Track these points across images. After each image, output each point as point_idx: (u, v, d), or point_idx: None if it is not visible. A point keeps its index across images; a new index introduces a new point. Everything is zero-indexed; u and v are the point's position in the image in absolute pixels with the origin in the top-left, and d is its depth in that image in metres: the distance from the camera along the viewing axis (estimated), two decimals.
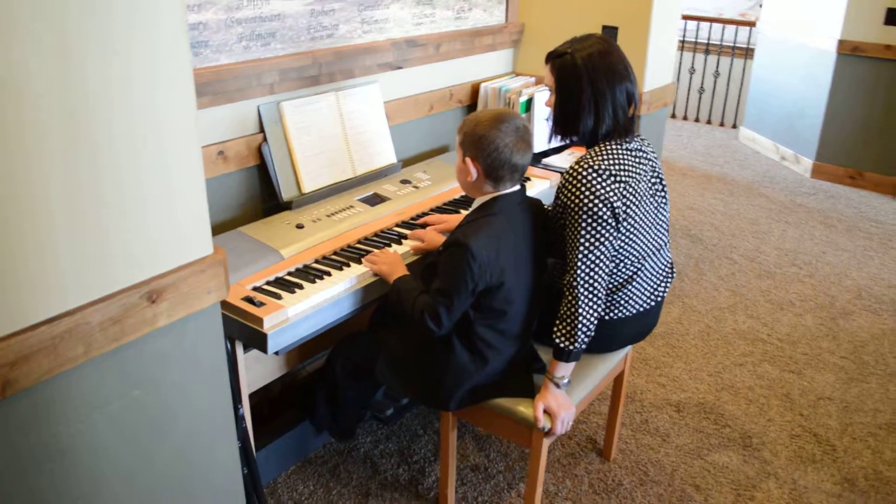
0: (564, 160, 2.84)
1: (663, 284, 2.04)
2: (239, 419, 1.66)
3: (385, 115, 2.52)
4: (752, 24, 6.06)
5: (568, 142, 2.05)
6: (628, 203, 1.84)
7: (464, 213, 2.31)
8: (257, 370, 1.97)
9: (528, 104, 2.86)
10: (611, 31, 2.96)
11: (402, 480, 2.24)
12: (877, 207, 4.64)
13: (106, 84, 1.12)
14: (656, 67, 3.00)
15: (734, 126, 6.39)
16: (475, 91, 3.00)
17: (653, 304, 2.03)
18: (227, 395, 1.49)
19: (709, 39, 6.42)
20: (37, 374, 1.12)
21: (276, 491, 2.17)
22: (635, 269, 1.94)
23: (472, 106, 3.02)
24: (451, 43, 2.78)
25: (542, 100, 2.86)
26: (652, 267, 1.98)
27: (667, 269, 2.06)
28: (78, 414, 1.21)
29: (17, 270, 1.08)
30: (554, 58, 1.97)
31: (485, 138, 1.78)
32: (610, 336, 1.99)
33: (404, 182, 2.46)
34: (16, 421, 1.13)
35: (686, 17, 6.15)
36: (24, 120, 1.03)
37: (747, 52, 6.24)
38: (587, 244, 1.80)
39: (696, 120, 6.59)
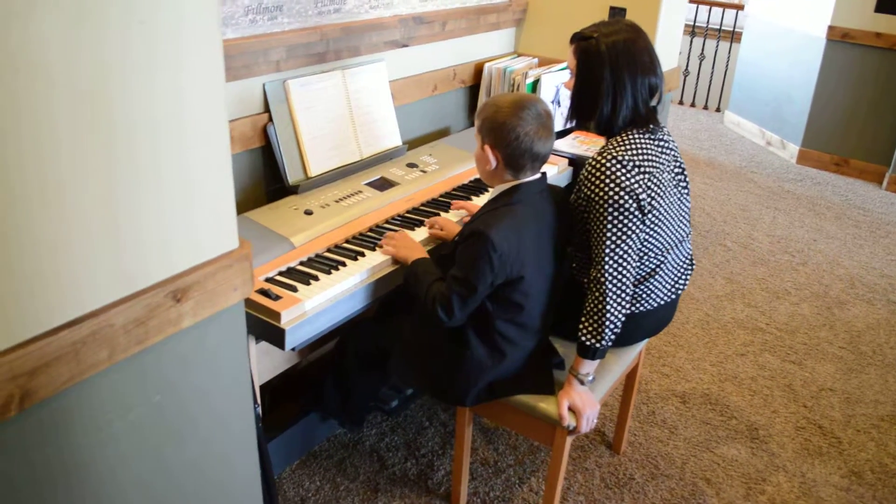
0: (569, 145, 2.76)
1: (684, 277, 1.99)
2: (256, 419, 1.57)
3: (391, 96, 2.41)
4: (740, 7, 6.02)
5: (571, 125, 1.97)
6: (653, 194, 1.78)
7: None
8: (265, 363, 1.88)
9: (535, 86, 2.77)
10: (619, 13, 2.88)
11: (410, 475, 2.18)
12: (863, 195, 4.66)
13: (128, 57, 1.01)
14: (664, 51, 2.94)
15: (718, 109, 6.38)
16: (478, 71, 2.90)
17: (673, 297, 1.98)
18: (248, 397, 1.40)
19: (695, 21, 6.37)
20: (57, 382, 1.02)
21: (281, 487, 2.09)
22: (658, 262, 1.88)
23: (475, 87, 2.92)
24: (456, 21, 2.68)
25: (550, 82, 2.77)
26: (674, 259, 1.93)
27: (687, 262, 2.00)
28: (98, 423, 1.11)
29: (35, 267, 0.97)
30: (578, 40, 1.89)
31: (505, 126, 1.70)
32: (631, 330, 1.93)
33: (411, 166, 2.36)
34: (34, 435, 1.03)
35: None
36: (38, 100, 0.92)
37: (733, 36, 6.21)
38: (614, 238, 1.73)
39: (681, 102, 6.56)
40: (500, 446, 2.32)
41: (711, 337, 3.00)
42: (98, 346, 1.06)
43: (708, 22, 6.31)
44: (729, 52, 6.22)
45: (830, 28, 4.78)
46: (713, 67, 6.35)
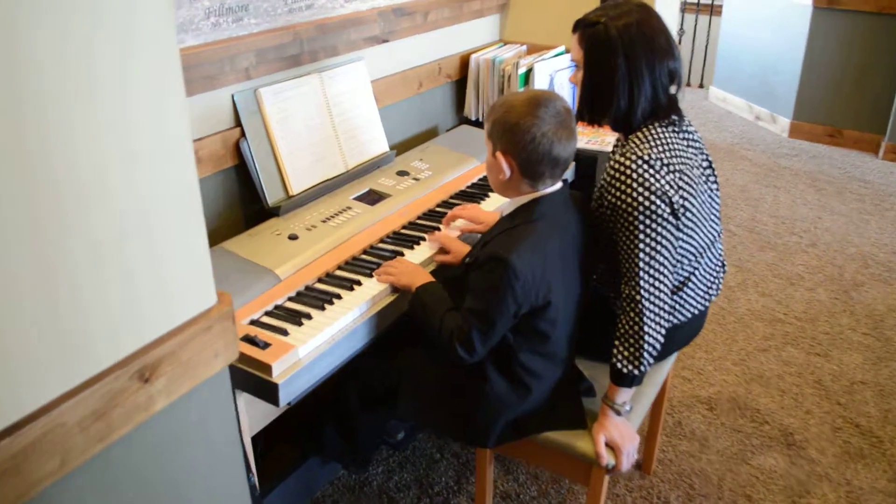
0: None
1: (717, 282, 1.79)
2: (252, 491, 1.35)
3: (373, 97, 2.18)
4: None
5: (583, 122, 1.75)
6: (685, 195, 1.57)
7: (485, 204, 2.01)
8: (255, 412, 1.64)
9: (528, 76, 2.56)
10: None
11: None
12: (861, 167, 4.50)
13: (64, 85, 0.78)
14: None
15: (701, 86, 6.20)
16: (464, 63, 2.68)
17: (707, 304, 1.78)
18: (240, 473, 1.18)
19: None
20: None
21: None
22: (693, 269, 1.68)
23: (462, 81, 2.69)
24: (438, 10, 2.45)
25: (544, 70, 2.56)
26: (707, 263, 1.73)
27: (719, 265, 1.80)
28: None
29: None
30: (584, 27, 1.65)
31: (519, 127, 1.47)
32: (664, 345, 1.72)
33: (401, 174, 2.14)
34: None
35: None
36: None
37: (712, 8, 6.02)
38: (647, 249, 1.52)
39: None
40: (519, 476, 2.11)
41: (729, 332, 2.82)
42: (46, 454, 0.83)
43: None
44: (709, 26, 6.04)
45: None
46: (693, 42, 6.17)
